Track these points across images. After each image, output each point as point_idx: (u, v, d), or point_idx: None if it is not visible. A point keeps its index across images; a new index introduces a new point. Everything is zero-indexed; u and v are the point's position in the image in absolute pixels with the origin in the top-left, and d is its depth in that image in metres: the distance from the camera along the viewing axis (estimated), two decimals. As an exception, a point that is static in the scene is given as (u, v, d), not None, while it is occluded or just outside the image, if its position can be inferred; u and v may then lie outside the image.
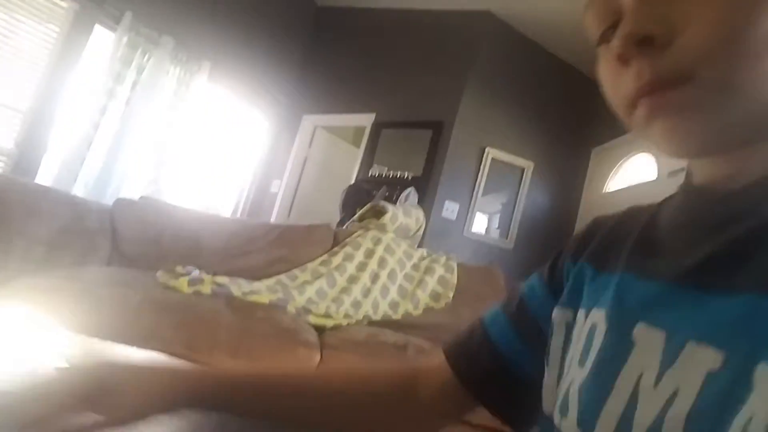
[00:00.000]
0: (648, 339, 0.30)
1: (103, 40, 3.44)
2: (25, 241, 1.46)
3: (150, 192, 3.50)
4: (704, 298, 0.28)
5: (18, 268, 1.40)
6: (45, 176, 3.21)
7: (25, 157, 3.12)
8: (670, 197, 0.39)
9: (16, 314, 0.88)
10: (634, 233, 0.38)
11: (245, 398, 0.47)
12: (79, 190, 3.22)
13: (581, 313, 0.39)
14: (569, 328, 0.40)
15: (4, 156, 3.07)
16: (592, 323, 0.36)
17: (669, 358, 0.28)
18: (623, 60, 0.31)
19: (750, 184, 0.30)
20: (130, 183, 3.48)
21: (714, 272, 0.29)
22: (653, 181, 3.08)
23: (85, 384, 0.40)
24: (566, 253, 0.46)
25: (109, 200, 2.59)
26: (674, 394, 0.27)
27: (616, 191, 3.53)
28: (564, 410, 0.35)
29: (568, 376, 0.37)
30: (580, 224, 3.89)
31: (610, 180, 3.66)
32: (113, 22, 3.43)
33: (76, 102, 3.33)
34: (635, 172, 3.41)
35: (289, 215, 4.53)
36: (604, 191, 3.68)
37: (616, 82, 0.33)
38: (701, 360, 0.26)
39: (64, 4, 3.22)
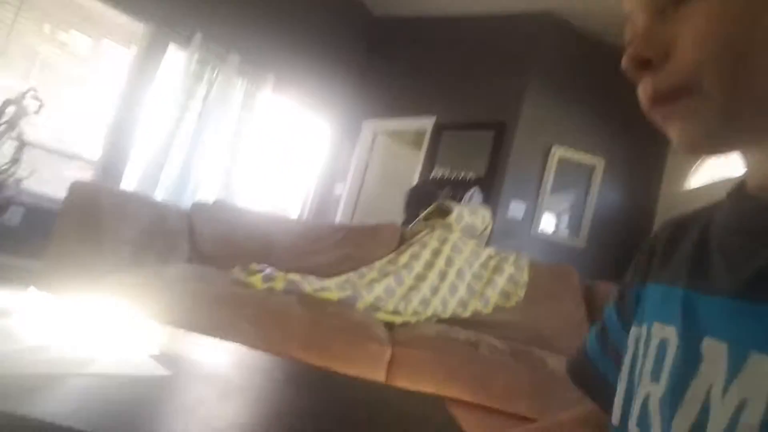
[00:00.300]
0: (714, 352, 0.31)
1: (176, 58, 3.66)
2: (114, 242, 1.56)
3: (223, 196, 3.67)
4: (761, 309, 0.29)
5: (108, 267, 1.50)
6: (128, 183, 3.45)
7: (111, 166, 3.36)
8: (721, 203, 0.39)
9: (109, 307, 0.93)
10: (690, 244, 0.39)
11: None
12: (159, 195, 3.43)
13: (645, 326, 0.39)
14: (637, 342, 0.41)
15: (92, 165, 3.32)
16: (661, 338, 0.37)
17: (734, 370, 0.29)
18: (633, 77, 0.36)
19: None
20: (204, 187, 3.67)
21: (766, 284, 0.29)
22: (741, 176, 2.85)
23: None
24: (631, 275, 0.48)
25: (186, 203, 2.73)
26: (742, 404, 0.28)
27: (699, 188, 3.30)
28: (644, 425, 0.36)
29: (640, 390, 0.38)
30: (660, 219, 3.68)
31: (692, 176, 3.42)
32: (185, 41, 3.64)
33: (153, 115, 3.55)
34: (720, 167, 3.16)
35: (352, 217, 4.59)
36: (685, 188, 3.45)
37: (640, 93, 0.37)
38: (765, 370, 0.27)
39: (140, 26, 3.45)
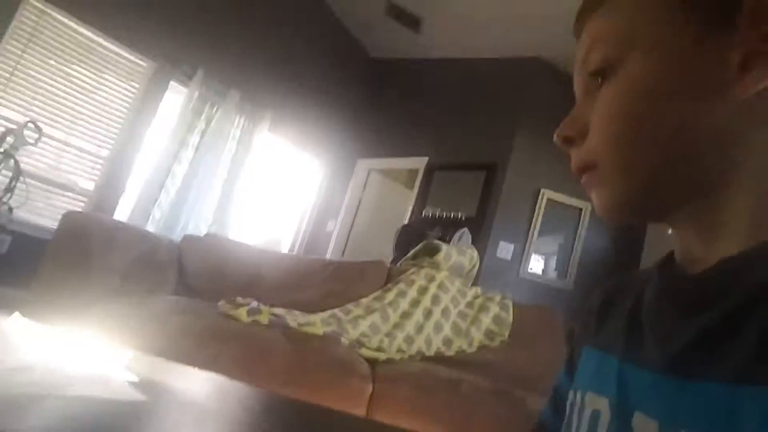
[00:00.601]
0: (645, 429, 0.32)
1: (177, 94, 3.76)
2: (103, 271, 1.58)
3: (215, 230, 3.70)
4: (687, 386, 0.30)
5: (95, 296, 1.51)
6: (121, 214, 3.47)
7: (104, 198, 3.39)
8: (653, 271, 0.41)
9: (92, 335, 0.95)
10: (624, 312, 0.41)
11: None
12: (151, 228, 3.45)
13: (579, 393, 0.41)
14: (572, 408, 0.42)
15: (85, 197, 3.35)
16: (594, 408, 0.38)
17: None
18: (563, 150, 0.42)
19: (711, 267, 0.33)
20: (197, 222, 3.69)
21: (693, 361, 0.31)
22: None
23: None
24: (576, 336, 0.50)
25: (178, 237, 2.75)
26: None
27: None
28: None
29: None
30: (646, 263, 3.73)
31: (674, 219, 3.49)
32: (186, 78, 3.75)
33: (151, 149, 3.62)
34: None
35: (343, 254, 4.61)
36: (670, 231, 3.51)
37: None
38: None
39: (144, 63, 3.56)
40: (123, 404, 0.64)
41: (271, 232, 4.74)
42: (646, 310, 0.38)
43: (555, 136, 0.41)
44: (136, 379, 0.77)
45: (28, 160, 3.02)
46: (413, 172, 4.52)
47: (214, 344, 1.38)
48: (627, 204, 0.38)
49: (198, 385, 0.87)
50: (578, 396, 0.41)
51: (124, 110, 3.51)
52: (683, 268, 0.37)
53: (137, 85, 3.56)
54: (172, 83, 3.71)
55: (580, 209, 3.80)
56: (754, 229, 0.32)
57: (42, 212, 3.16)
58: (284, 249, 4.73)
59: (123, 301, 1.51)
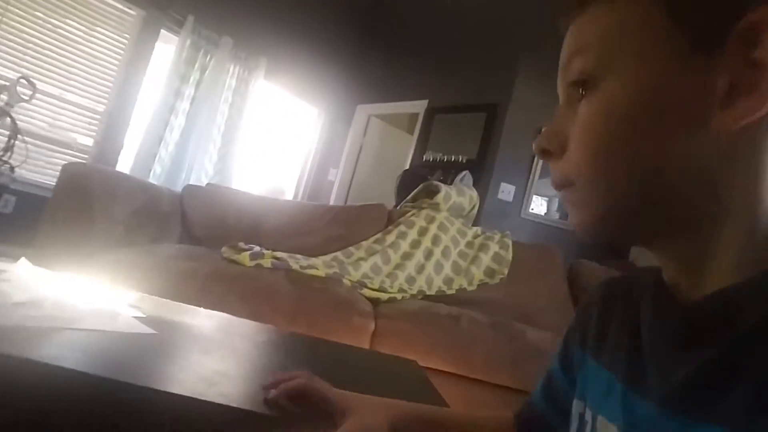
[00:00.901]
0: None
1: (169, 44, 3.67)
2: (105, 222, 1.60)
3: (217, 182, 3.71)
4: (688, 424, 0.30)
5: (99, 246, 1.55)
6: (122, 169, 3.48)
7: (104, 154, 3.39)
8: (650, 276, 0.40)
9: (98, 279, 0.98)
10: (624, 328, 0.40)
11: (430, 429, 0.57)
12: (152, 181, 3.47)
13: (589, 412, 0.41)
14: (581, 421, 0.43)
15: (85, 154, 3.35)
16: None
17: None
18: (542, 160, 0.42)
19: (705, 299, 0.32)
20: (198, 174, 3.70)
21: (693, 398, 0.30)
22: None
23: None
24: (573, 332, 0.50)
25: (179, 189, 2.76)
26: None
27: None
28: None
29: None
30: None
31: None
32: (177, 26, 3.64)
33: (146, 102, 3.57)
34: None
35: (345, 202, 4.63)
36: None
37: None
38: None
39: (132, 12, 3.46)
40: (131, 336, 0.67)
41: (274, 183, 4.75)
42: (645, 338, 0.37)
43: (534, 146, 0.40)
44: (143, 315, 0.81)
45: (24, 118, 3.00)
46: (413, 117, 4.47)
47: (218, 286, 1.43)
48: (601, 226, 0.37)
49: (204, 321, 0.91)
50: (589, 414, 0.41)
51: (117, 63, 3.44)
52: (675, 290, 0.36)
53: (128, 36, 3.47)
54: (163, 32, 3.62)
55: (582, 148, 3.77)
56: (743, 263, 0.31)
57: (44, 171, 3.17)
58: (286, 198, 4.75)
59: (127, 250, 1.55)
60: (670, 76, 0.32)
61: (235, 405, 0.51)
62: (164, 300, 0.98)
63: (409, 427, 0.55)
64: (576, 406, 0.44)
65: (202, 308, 1.00)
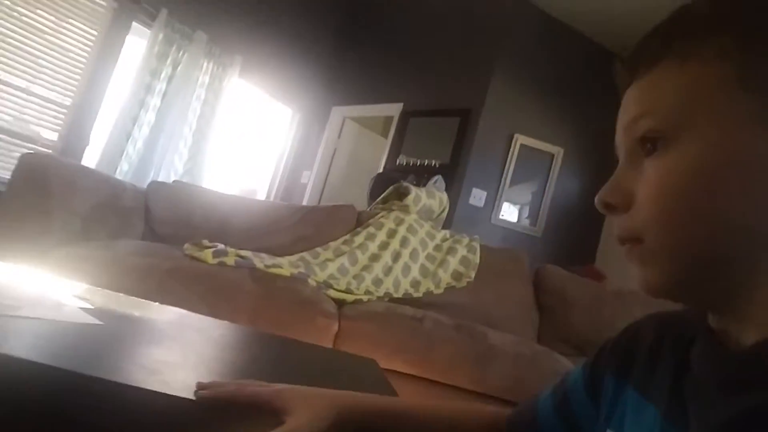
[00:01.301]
0: None
1: (140, 37, 3.60)
2: (63, 216, 1.56)
3: (186, 181, 3.64)
4: None
5: (57, 239, 1.50)
6: (88, 164, 3.39)
7: (69, 149, 3.30)
8: (698, 323, 0.41)
9: (48, 271, 0.95)
10: (671, 369, 0.41)
11: (381, 422, 0.56)
12: (119, 177, 3.38)
13: None
14: None
15: (50, 149, 3.25)
16: None
17: None
18: (604, 214, 0.41)
19: (751, 347, 0.33)
20: (167, 173, 3.63)
21: None
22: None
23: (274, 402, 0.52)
24: (609, 361, 0.49)
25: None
26: None
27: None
28: None
29: None
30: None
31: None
32: (149, 19, 3.58)
33: (115, 96, 3.49)
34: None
35: (318, 204, 4.61)
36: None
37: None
38: None
39: (104, 3, 3.38)
40: (77, 326, 0.65)
41: (246, 184, 4.69)
42: (690, 378, 0.38)
43: (597, 201, 0.40)
44: (90, 306, 0.79)
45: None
46: (388, 120, 4.48)
47: (178, 284, 1.40)
48: (674, 286, 0.37)
49: (156, 314, 0.89)
50: None
51: (86, 55, 3.35)
52: (723, 338, 0.37)
53: (98, 28, 3.39)
54: (135, 24, 3.55)
55: (552, 154, 3.84)
56: None
57: (6, 166, 3.05)
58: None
59: (85, 245, 1.51)
60: (743, 139, 0.33)
61: (174, 393, 0.50)
62: (116, 293, 0.96)
63: (360, 418, 0.54)
64: None
65: (156, 303, 0.98)
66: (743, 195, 0.33)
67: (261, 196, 4.76)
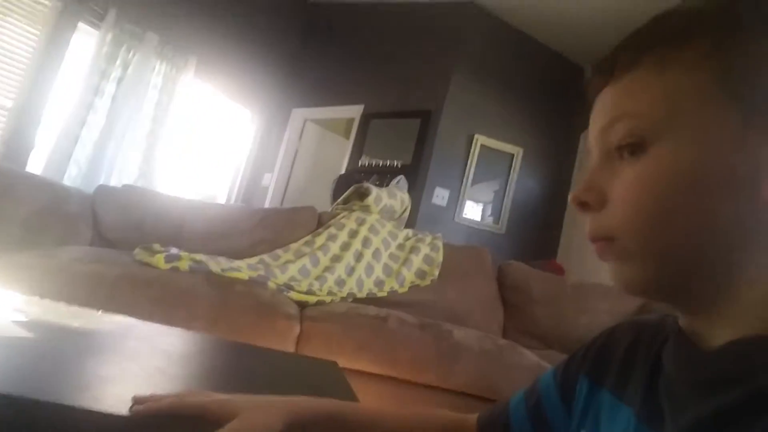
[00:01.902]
0: None
1: (88, 38, 3.45)
2: (2, 223, 1.46)
3: (141, 185, 3.50)
4: None
5: (-6, 248, 1.40)
6: (33, 171, 3.21)
7: (12, 154, 3.12)
8: (673, 326, 0.41)
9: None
10: (645, 371, 0.41)
11: (335, 427, 0.54)
12: (68, 183, 3.22)
13: None
14: None
15: (-10, 153, 3.07)
16: None
17: None
18: (578, 212, 0.41)
19: (724, 347, 0.34)
20: (119, 178, 3.48)
21: None
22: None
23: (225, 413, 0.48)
24: (582, 363, 0.50)
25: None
26: None
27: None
28: None
29: None
30: (572, 207, 3.88)
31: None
32: (97, 19, 3.43)
33: (61, 99, 3.32)
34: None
35: (277, 207, 4.53)
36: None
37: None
38: None
39: (47, 2, 3.22)
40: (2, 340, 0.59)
41: (204, 188, 4.56)
42: (663, 378, 0.39)
43: (570, 199, 0.40)
44: (24, 318, 0.72)
45: None
46: (350, 121, 4.45)
47: (128, 291, 1.33)
48: (649, 284, 0.38)
49: (99, 324, 0.83)
50: None
51: (28, 56, 3.18)
52: (695, 338, 0.38)
53: (41, 27, 3.22)
54: (81, 24, 3.39)
55: (512, 155, 3.89)
56: (759, 319, 0.33)
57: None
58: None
59: (27, 254, 1.41)
60: (725, 148, 0.33)
61: (104, 410, 0.45)
62: (57, 303, 0.89)
63: (312, 425, 0.51)
64: None
65: (99, 312, 0.92)
66: (721, 199, 0.33)
67: (221, 200, 4.64)
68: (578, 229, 3.61)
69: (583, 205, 0.40)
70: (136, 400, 0.49)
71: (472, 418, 0.59)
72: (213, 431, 0.45)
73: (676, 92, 0.35)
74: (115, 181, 3.44)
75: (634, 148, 0.36)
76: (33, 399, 0.44)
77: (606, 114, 0.39)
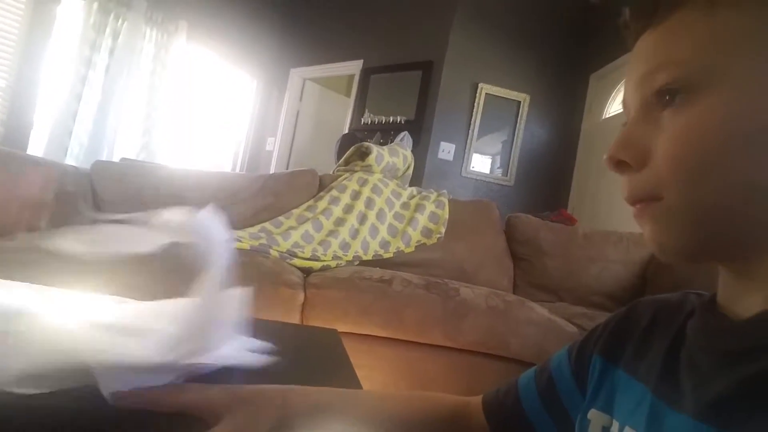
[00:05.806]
0: None
1: (74, 9, 3.34)
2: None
3: (144, 158, 3.48)
4: None
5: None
6: (34, 151, 3.19)
7: (12, 135, 3.09)
8: (697, 302, 0.40)
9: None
10: (665, 346, 0.39)
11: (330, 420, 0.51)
12: (70, 162, 3.20)
13: (616, 425, 0.40)
14: None
15: (-11, 135, 3.05)
16: None
17: None
18: (613, 171, 0.38)
19: (754, 317, 0.32)
20: (120, 151, 3.45)
21: (728, 411, 0.30)
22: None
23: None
24: (597, 341, 0.47)
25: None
26: None
27: (614, 115, 3.41)
28: None
29: None
30: (582, 153, 3.80)
31: (609, 104, 3.52)
32: (81, -13, 3.31)
33: (55, 75, 3.26)
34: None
35: (277, 172, 4.49)
36: (603, 117, 3.55)
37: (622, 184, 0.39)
38: None
39: (28, -28, 3.10)
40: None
41: (209, 157, 4.53)
42: (685, 351, 0.37)
43: (606, 159, 0.37)
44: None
45: None
46: (350, 78, 4.33)
47: (130, 270, 1.31)
48: (690, 245, 0.35)
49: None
50: (615, 426, 0.40)
51: (15, 33, 3.10)
52: (726, 311, 0.36)
53: (25, 1, 3.12)
54: (65, -4, 3.28)
55: (519, 102, 3.76)
56: None
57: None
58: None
59: (21, 236, 1.40)
60: None
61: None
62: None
63: (304, 419, 0.49)
64: (596, 417, 0.43)
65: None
66: (759, 159, 0.31)
67: (226, 167, 4.61)
68: (590, 177, 3.52)
69: (621, 165, 0.37)
70: (117, 395, 0.46)
71: (476, 399, 0.57)
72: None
73: (727, 36, 0.32)
74: (118, 155, 3.42)
75: (677, 97, 0.34)
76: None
77: (647, 61, 0.36)
